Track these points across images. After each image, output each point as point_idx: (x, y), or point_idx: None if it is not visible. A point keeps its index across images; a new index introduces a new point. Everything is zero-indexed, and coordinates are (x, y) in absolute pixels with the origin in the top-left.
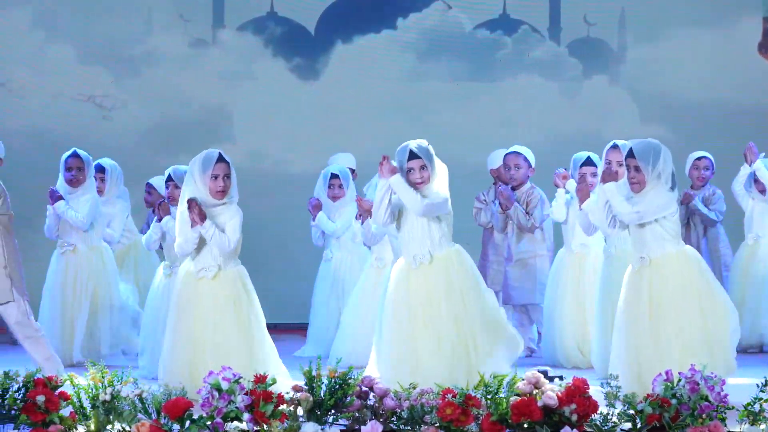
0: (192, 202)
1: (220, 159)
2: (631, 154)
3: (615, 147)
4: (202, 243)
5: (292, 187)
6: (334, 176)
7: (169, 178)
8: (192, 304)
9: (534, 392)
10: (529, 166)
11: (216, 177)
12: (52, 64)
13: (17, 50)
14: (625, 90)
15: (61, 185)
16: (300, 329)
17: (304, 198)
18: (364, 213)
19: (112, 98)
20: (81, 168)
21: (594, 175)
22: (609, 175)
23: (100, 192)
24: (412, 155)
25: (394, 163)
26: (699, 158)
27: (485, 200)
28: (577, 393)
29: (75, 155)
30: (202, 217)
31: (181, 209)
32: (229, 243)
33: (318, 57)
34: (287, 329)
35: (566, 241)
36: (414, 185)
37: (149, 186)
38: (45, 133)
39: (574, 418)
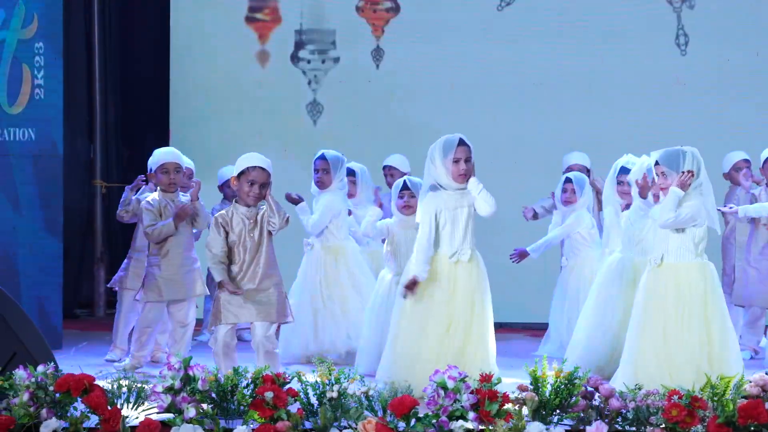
0: None
1: (461, 143)
2: None
3: None
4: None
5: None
6: (567, 180)
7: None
8: (447, 290)
9: (762, 394)
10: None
11: (458, 161)
12: None
13: None
14: None
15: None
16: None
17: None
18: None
19: None
20: (327, 170)
21: None
22: None
23: (351, 195)
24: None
25: None
26: None
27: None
28: None
29: (322, 158)
30: None
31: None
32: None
33: None
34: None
35: None
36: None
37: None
38: None
39: None
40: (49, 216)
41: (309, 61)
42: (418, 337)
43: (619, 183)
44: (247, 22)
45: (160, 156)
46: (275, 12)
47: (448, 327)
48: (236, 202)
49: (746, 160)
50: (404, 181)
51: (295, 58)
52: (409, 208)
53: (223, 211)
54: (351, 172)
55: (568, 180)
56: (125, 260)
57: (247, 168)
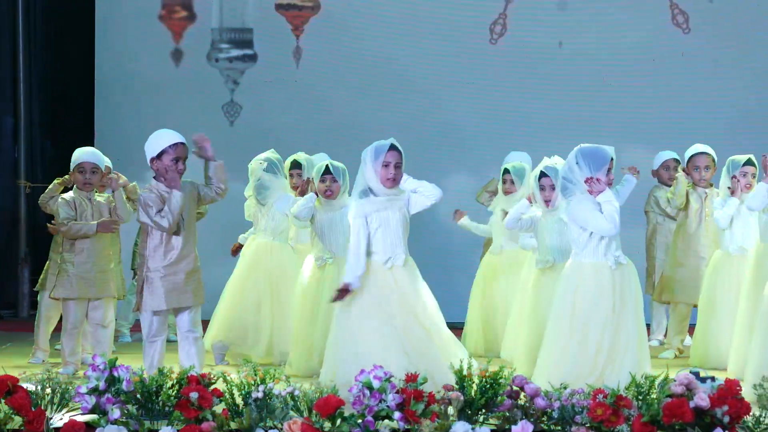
0: None
1: (392, 148)
2: None
3: None
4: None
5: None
6: (505, 172)
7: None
8: (383, 296)
9: (686, 393)
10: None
11: (387, 165)
12: None
13: None
14: None
15: None
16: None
17: None
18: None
19: None
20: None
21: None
22: None
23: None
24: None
25: None
26: None
27: None
28: (730, 394)
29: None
30: None
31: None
32: (432, 190)
33: None
34: None
35: (724, 244)
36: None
37: None
38: None
39: (726, 419)
40: None
41: (226, 60)
42: (355, 343)
43: (541, 188)
44: (160, 20)
45: (77, 155)
46: (188, 10)
47: (387, 329)
48: (156, 180)
49: (676, 159)
50: (326, 165)
51: (211, 57)
52: (330, 193)
53: (149, 187)
54: (298, 165)
55: (506, 171)
56: (48, 261)
57: (168, 147)
